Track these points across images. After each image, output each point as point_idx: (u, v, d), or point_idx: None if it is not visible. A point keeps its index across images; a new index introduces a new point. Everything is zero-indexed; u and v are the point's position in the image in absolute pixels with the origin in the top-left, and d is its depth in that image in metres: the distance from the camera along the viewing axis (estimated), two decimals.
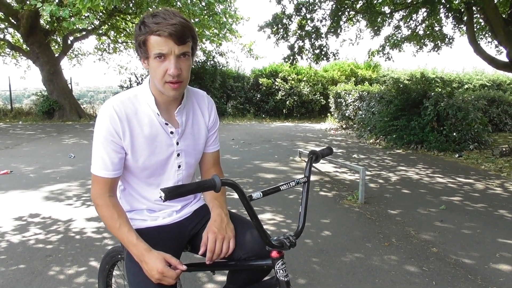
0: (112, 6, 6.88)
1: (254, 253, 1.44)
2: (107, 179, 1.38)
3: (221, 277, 2.69)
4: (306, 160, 1.53)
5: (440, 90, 9.05)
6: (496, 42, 10.88)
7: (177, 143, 1.48)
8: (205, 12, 11.98)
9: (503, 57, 9.88)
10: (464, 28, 10.50)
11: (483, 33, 11.92)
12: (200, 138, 1.57)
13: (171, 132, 1.45)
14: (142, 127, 1.40)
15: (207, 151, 1.64)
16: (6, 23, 14.55)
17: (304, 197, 1.39)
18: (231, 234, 1.45)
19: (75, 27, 9.98)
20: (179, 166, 1.52)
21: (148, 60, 1.32)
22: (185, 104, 1.49)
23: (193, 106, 1.55)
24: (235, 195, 1.15)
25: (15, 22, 13.76)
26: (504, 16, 8.90)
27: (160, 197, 0.98)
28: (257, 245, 1.42)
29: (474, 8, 9.37)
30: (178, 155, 1.50)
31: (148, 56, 1.31)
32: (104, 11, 12.99)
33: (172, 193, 1.00)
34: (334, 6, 10.67)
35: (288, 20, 10.97)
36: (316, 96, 17.41)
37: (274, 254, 1.29)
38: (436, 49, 12.04)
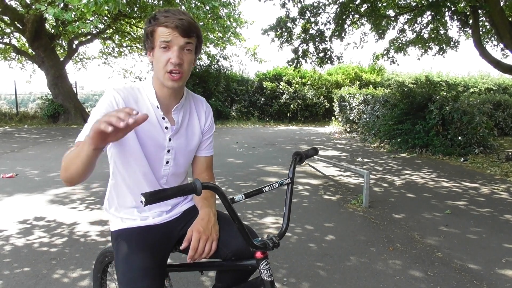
0: (117, 10, 6.92)
1: (239, 252, 1.47)
2: None
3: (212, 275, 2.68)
4: (291, 161, 1.55)
5: (445, 93, 9.03)
6: (502, 46, 10.84)
7: (170, 140, 1.51)
8: (209, 15, 12.04)
9: (509, 61, 9.90)
10: (470, 31, 10.47)
11: (489, 36, 11.88)
12: (193, 140, 1.61)
13: (166, 128, 1.50)
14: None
15: (201, 155, 1.68)
16: (12, 28, 14.68)
17: (288, 198, 1.41)
18: (215, 236, 1.46)
19: (79, 31, 10.05)
20: (167, 162, 1.54)
21: (153, 51, 1.39)
22: (183, 104, 1.54)
23: (190, 108, 1.60)
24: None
25: (20, 27, 13.87)
26: (510, 19, 8.87)
27: (141, 201, 0.97)
28: (242, 244, 1.44)
29: (479, 11, 9.35)
30: (169, 151, 1.53)
31: (153, 47, 1.38)
32: (108, 15, 13.08)
33: (153, 198, 0.99)
34: (338, 9, 10.67)
35: (292, 23, 10.98)
36: (320, 99, 17.42)
37: (258, 254, 1.30)
38: (441, 53, 12.01)
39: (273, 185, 1.38)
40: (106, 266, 1.89)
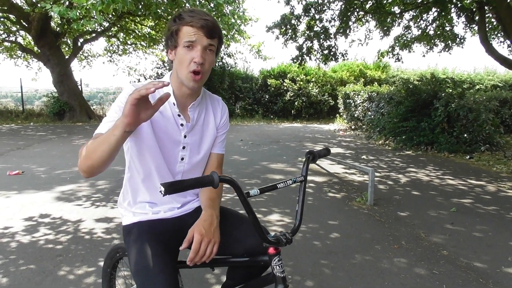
0: (125, 9, 6.91)
1: (252, 249, 1.47)
2: None
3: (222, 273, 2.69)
4: (303, 160, 1.55)
5: (450, 90, 8.96)
6: (508, 42, 10.76)
7: (185, 136, 1.53)
8: (214, 13, 12.00)
9: None
10: (476, 27, 10.39)
11: (495, 32, 11.78)
12: (208, 137, 1.63)
13: (181, 125, 1.51)
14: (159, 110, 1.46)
15: (213, 151, 1.69)
16: (18, 26, 14.73)
17: (300, 195, 1.43)
18: (217, 239, 1.43)
19: (84, 29, 10.07)
20: (182, 159, 1.56)
21: (176, 49, 1.41)
22: (199, 101, 1.56)
23: (206, 106, 1.63)
24: (231, 194, 1.16)
25: (26, 25, 13.92)
26: None
27: (160, 191, 0.99)
28: (255, 241, 1.44)
29: (486, 7, 9.27)
30: (184, 148, 1.55)
31: (177, 45, 1.40)
32: (113, 13, 13.09)
33: (172, 188, 1.01)
34: (343, 6, 10.62)
35: (296, 20, 10.96)
36: (325, 97, 17.35)
37: (271, 250, 1.31)
38: (447, 49, 11.92)
39: (287, 182, 1.39)
40: (116, 261, 1.89)
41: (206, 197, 1.56)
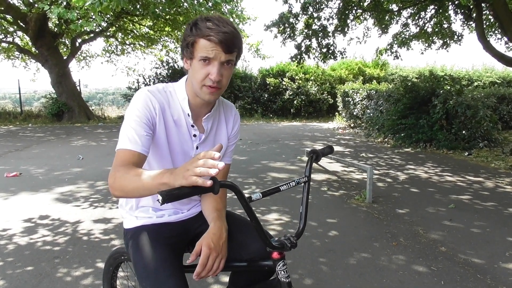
0: (120, 8, 6.87)
1: (257, 254, 1.44)
2: (133, 152, 1.27)
3: (225, 278, 2.68)
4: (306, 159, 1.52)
5: (449, 88, 8.95)
6: (506, 39, 10.75)
7: (197, 148, 1.48)
8: (212, 12, 12.00)
9: None
10: (473, 25, 10.40)
11: (493, 29, 11.78)
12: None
13: (194, 135, 1.47)
14: (173, 118, 1.42)
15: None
16: (15, 26, 14.70)
17: (304, 197, 1.40)
18: (225, 253, 1.39)
19: (82, 29, 10.06)
20: None
21: (192, 61, 1.33)
22: (213, 112, 1.51)
23: (219, 114, 1.57)
24: (230, 193, 1.13)
25: (23, 25, 13.90)
26: None
27: (158, 200, 0.94)
28: (260, 246, 1.41)
29: (483, 4, 9.26)
30: None
31: (192, 57, 1.31)
32: (111, 13, 13.07)
33: (170, 196, 0.95)
34: (341, 4, 10.61)
35: (295, 19, 10.94)
36: (324, 95, 17.34)
37: (275, 255, 1.28)
38: (445, 47, 11.93)
39: (290, 183, 1.35)
40: (120, 263, 1.87)
41: (213, 208, 1.50)
